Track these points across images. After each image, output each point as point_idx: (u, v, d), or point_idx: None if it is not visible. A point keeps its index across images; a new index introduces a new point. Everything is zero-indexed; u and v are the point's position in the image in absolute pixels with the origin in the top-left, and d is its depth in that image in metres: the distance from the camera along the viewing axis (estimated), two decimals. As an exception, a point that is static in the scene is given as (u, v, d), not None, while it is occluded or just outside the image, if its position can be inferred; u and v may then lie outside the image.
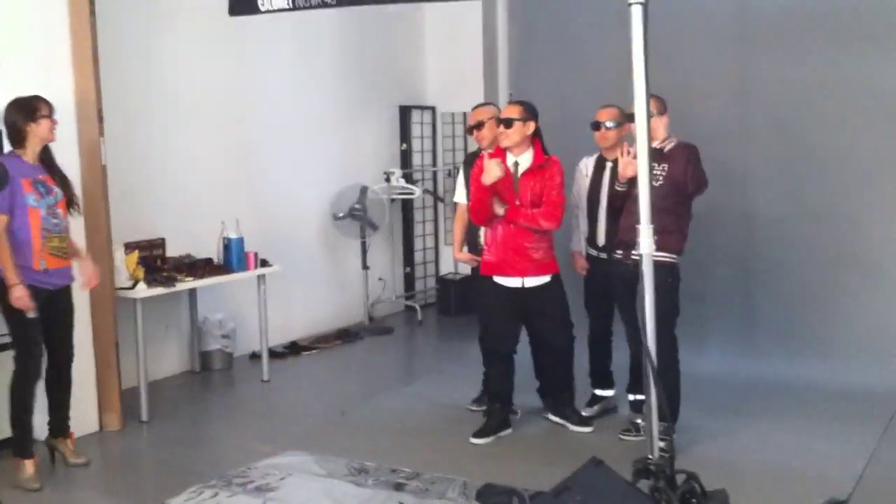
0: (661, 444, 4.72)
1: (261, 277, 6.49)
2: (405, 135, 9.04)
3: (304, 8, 4.33)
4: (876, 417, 5.31)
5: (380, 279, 8.69)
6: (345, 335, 7.95)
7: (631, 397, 5.21)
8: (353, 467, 4.70)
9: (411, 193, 8.60)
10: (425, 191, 9.00)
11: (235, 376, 6.81)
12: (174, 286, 5.82)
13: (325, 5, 4.24)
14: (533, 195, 4.94)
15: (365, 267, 8.32)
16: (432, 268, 9.46)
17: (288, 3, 4.37)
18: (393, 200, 8.60)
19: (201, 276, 6.07)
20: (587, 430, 5.23)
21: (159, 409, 5.80)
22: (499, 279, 5.06)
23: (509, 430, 5.21)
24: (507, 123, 4.95)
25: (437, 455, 4.91)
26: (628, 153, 4.57)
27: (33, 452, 4.65)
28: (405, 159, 9.03)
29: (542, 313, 5.14)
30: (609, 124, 5.17)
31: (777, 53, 6.51)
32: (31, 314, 4.50)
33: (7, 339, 4.84)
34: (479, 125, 5.41)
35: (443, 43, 9.14)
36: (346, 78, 8.34)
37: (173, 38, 6.66)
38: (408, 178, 8.74)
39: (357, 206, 7.99)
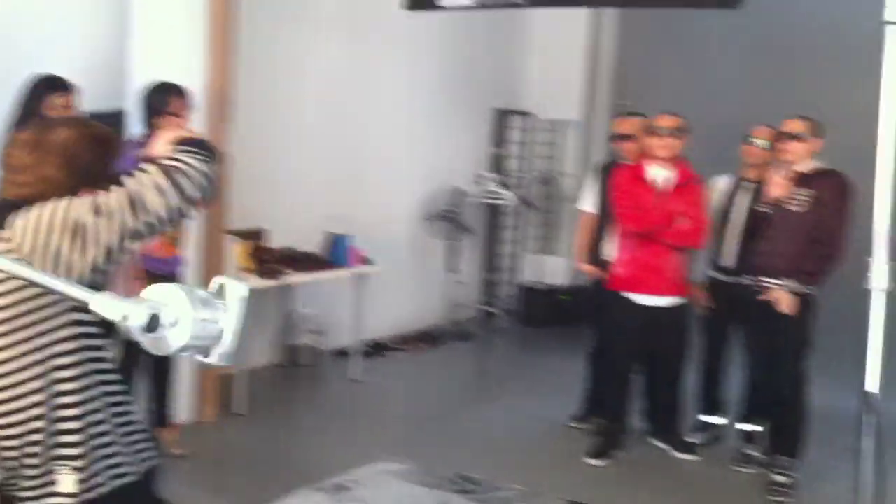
0: (782, 478, 4.58)
1: (361, 275, 6.37)
2: (500, 139, 8.88)
3: (490, 7, 4.13)
4: None
5: (460, 283, 8.53)
6: (427, 338, 7.82)
7: (746, 428, 5.03)
8: (461, 479, 4.56)
9: (504, 199, 8.44)
10: (521, 199, 8.82)
11: (324, 374, 6.66)
12: (280, 280, 5.71)
13: (513, 5, 4.04)
14: (673, 212, 4.77)
15: (449, 270, 8.17)
16: (514, 275, 9.29)
17: (472, 0, 4.16)
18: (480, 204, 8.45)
19: (305, 271, 5.94)
20: (692, 457, 5.06)
21: (250, 401, 5.65)
22: (628, 295, 4.89)
23: (623, 452, 5.05)
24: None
25: (543, 473, 4.78)
26: (782, 174, 4.45)
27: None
28: (498, 164, 8.86)
29: (665, 336, 4.96)
30: (759, 143, 4.99)
31: None
32: None
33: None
34: (627, 137, 5.24)
35: (545, 50, 8.96)
36: (449, 79, 8.19)
37: (309, 33, 6.60)
38: (500, 182, 8.58)
39: (450, 208, 7.84)
